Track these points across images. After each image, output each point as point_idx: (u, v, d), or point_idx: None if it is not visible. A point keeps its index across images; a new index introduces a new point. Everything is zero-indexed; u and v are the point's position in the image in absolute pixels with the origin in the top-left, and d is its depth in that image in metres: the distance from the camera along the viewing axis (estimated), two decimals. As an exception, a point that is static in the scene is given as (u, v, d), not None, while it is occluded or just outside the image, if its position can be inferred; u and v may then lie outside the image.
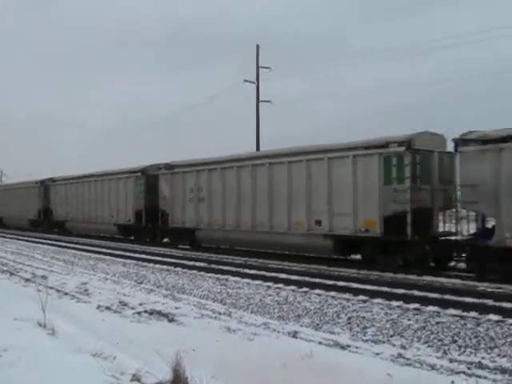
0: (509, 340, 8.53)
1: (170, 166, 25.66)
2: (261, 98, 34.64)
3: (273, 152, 20.88)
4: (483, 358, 7.94)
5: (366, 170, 16.85)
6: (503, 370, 7.36)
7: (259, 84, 34.62)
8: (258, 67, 34.62)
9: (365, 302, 11.75)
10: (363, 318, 10.40)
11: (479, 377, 7.09)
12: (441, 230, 16.93)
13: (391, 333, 9.42)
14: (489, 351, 8.20)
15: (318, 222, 18.16)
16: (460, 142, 14.70)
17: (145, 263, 19.57)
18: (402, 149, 15.94)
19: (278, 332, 9.56)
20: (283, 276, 15.34)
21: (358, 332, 9.63)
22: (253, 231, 20.83)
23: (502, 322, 9.54)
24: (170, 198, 25.44)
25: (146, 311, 11.21)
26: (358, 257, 18.27)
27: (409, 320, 10.04)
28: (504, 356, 7.94)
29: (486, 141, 14.07)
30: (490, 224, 14.94)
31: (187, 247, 24.54)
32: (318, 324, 10.31)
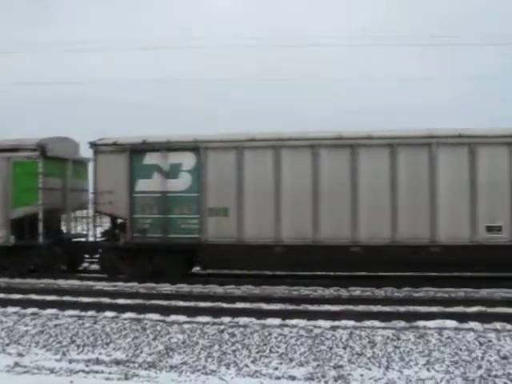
0: (123, 333, 9.16)
1: None
2: None
3: None
4: (100, 353, 8.38)
5: None
6: (118, 362, 7.97)
7: None
8: None
9: (-24, 312, 10.94)
10: (-25, 329, 9.71)
11: (97, 372, 7.48)
12: None
13: (7, 341, 9.07)
14: (105, 346, 8.67)
15: None
16: None
17: None
18: None
19: None
20: None
21: (-34, 346, 8.96)
22: None
23: (117, 317, 10.14)
24: None
25: None
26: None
27: (26, 326, 9.79)
28: (119, 349, 8.53)
29: None
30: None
31: None
32: None
